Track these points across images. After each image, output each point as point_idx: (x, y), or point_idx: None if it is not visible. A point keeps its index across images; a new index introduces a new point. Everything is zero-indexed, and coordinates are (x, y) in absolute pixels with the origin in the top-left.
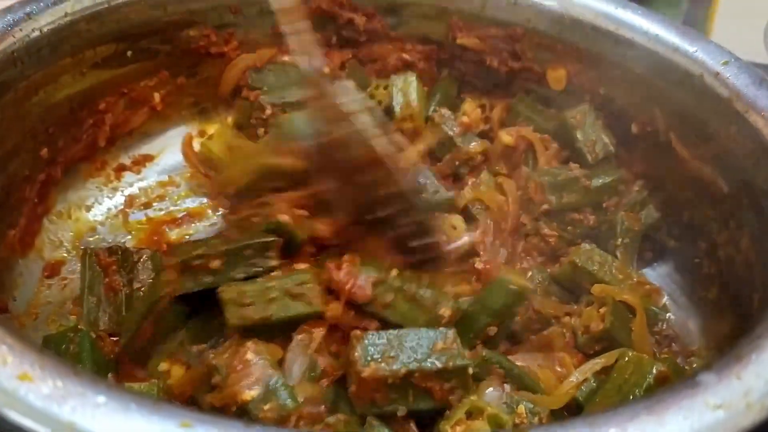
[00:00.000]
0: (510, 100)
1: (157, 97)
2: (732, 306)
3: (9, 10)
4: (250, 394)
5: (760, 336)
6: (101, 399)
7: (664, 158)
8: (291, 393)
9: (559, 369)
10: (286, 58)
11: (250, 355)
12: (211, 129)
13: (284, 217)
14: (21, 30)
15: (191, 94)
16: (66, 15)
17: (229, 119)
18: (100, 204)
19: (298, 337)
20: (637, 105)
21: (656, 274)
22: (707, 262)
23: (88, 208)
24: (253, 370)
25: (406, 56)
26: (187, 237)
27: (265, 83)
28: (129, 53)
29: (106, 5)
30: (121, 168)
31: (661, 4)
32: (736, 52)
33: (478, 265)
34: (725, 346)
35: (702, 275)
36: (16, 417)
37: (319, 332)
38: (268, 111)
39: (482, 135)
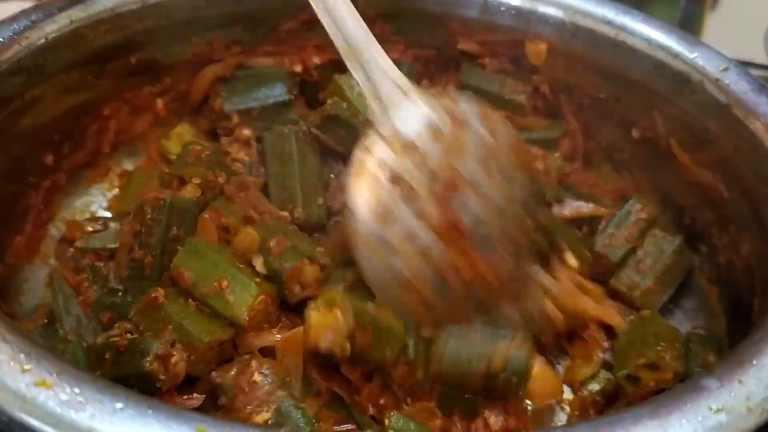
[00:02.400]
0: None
1: (159, 103)
2: (732, 311)
3: (14, 18)
4: (264, 416)
5: (760, 341)
6: (119, 405)
7: (665, 164)
8: (305, 415)
9: None
10: (255, 59)
11: (257, 377)
12: None
13: None
14: (27, 38)
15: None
16: (71, 23)
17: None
18: (104, 210)
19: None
20: (637, 111)
21: None
22: (707, 267)
23: (92, 214)
24: (262, 391)
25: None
26: None
27: (232, 91)
28: (132, 60)
29: (111, 13)
30: (125, 174)
31: (661, 2)
32: (730, 50)
33: None
34: (726, 350)
35: (703, 279)
36: (36, 424)
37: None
38: (235, 120)
39: None
